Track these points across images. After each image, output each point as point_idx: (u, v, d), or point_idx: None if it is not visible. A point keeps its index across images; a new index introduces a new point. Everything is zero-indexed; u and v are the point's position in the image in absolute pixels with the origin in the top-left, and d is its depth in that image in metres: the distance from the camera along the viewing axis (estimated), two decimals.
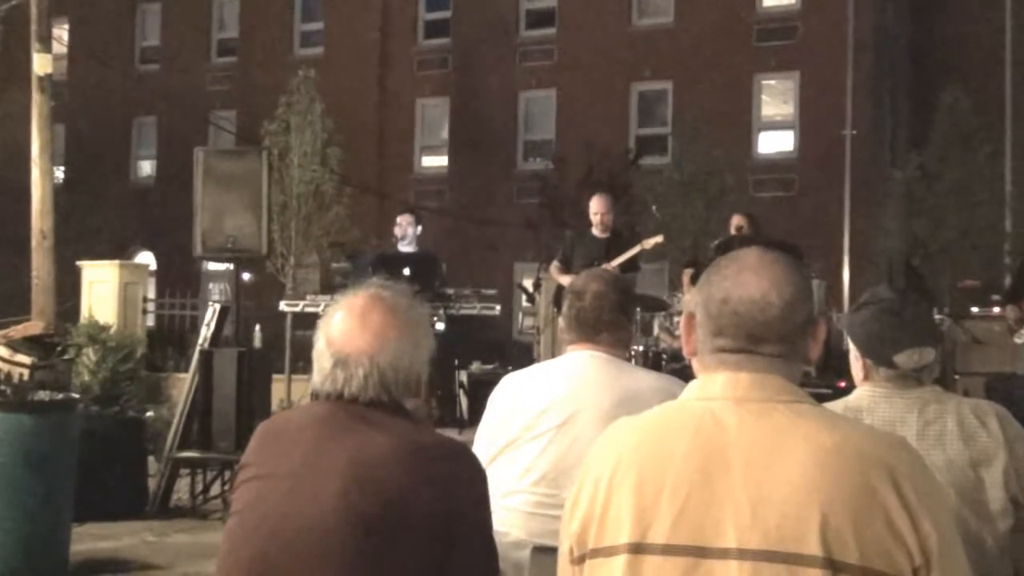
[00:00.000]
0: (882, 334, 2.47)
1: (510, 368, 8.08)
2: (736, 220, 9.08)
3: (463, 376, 9.15)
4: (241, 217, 7.57)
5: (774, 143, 22.03)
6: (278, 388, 9.76)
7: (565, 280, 8.46)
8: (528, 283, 14.02)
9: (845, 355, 2.64)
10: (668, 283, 16.96)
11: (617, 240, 8.70)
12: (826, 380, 8.02)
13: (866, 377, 2.50)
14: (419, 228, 9.03)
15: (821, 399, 2.59)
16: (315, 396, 2.10)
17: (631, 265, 8.57)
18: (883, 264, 19.74)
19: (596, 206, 8.74)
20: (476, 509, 1.99)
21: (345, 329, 2.06)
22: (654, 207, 12.34)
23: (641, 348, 8.80)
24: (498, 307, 8.77)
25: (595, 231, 8.72)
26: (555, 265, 8.87)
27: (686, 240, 16.25)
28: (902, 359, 2.44)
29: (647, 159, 20.34)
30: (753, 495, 1.54)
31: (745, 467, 1.55)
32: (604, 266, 8.22)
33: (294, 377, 11.24)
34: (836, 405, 2.44)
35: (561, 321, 3.08)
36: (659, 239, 8.62)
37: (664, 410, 1.69)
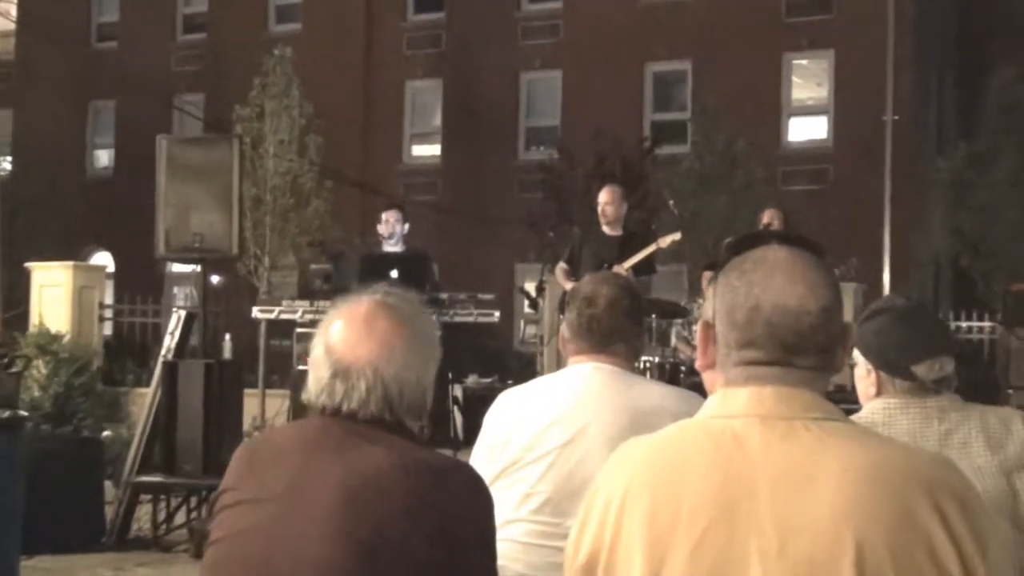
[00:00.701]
0: (898, 343, 2.50)
1: (510, 382, 8.09)
2: (766, 216, 9.07)
3: (458, 391, 9.16)
4: (209, 213, 7.57)
5: (806, 130, 22.05)
6: (251, 404, 9.77)
7: (571, 285, 8.47)
8: (531, 287, 14.02)
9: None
10: (687, 287, 16.95)
11: (630, 238, 8.71)
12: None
13: (879, 392, 2.53)
14: (407, 225, 9.04)
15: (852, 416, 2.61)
16: (306, 411, 2.10)
17: (646, 266, 8.58)
18: (929, 265, 19.76)
19: (603, 197, 8.79)
20: (482, 534, 2.00)
21: (348, 336, 2.06)
22: (671, 202, 12.31)
23: (656, 359, 8.81)
24: (497, 314, 8.78)
25: (605, 228, 8.74)
26: (560, 267, 8.87)
27: (707, 239, 16.24)
28: (921, 370, 2.47)
29: (663, 148, 20.34)
30: (780, 524, 1.53)
31: (771, 492, 1.55)
32: (616, 268, 8.23)
33: (269, 392, 11.25)
34: (860, 415, 2.45)
35: (564, 329, 3.09)
36: (676, 237, 8.64)
37: (680, 429, 1.69)
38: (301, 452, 2.02)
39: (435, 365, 2.10)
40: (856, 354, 2.60)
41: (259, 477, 2.04)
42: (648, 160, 19.79)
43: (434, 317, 7.62)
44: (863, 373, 2.58)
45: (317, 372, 2.07)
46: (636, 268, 8.44)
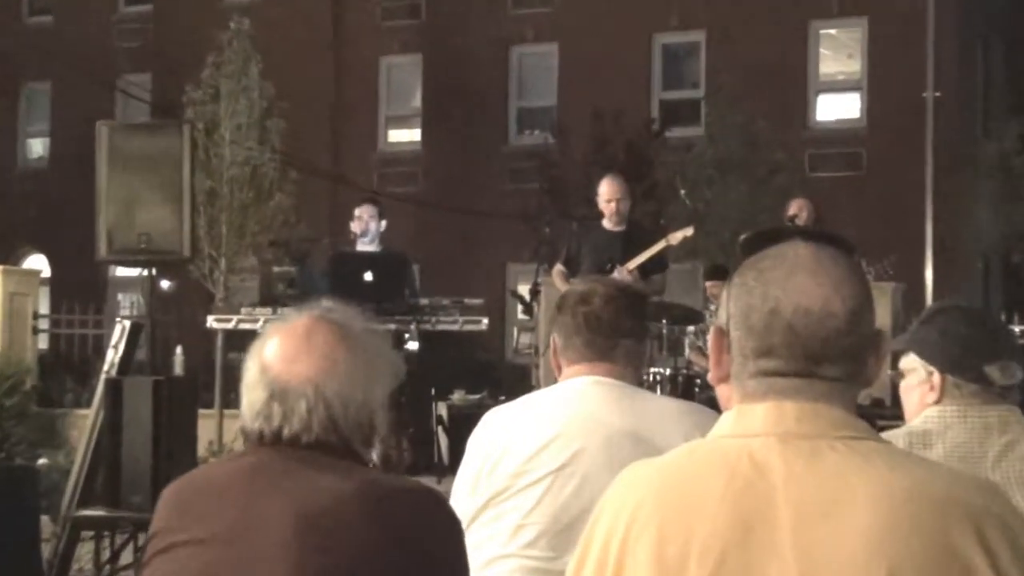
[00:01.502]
0: (969, 342, 2.52)
1: (502, 398, 8.08)
2: (793, 207, 9.08)
3: (442, 409, 9.16)
4: (157, 209, 7.57)
5: (836, 109, 22.09)
6: (206, 426, 9.74)
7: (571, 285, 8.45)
8: (524, 290, 14.04)
9: None
10: (702, 288, 16.99)
11: (636, 234, 8.73)
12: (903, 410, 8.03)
13: (939, 399, 2.54)
14: (384, 222, 9.04)
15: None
16: (245, 439, 2.11)
17: (657, 264, 8.60)
18: (977, 262, 19.79)
19: (607, 191, 8.76)
20: (451, 567, 2.01)
21: (285, 352, 2.08)
22: (683, 192, 12.36)
23: (667, 371, 8.83)
24: (485, 321, 8.77)
25: (607, 223, 8.74)
26: (557, 269, 8.88)
27: (724, 233, 16.27)
28: (994, 372, 2.49)
29: (674, 131, 20.38)
30: (804, 556, 1.54)
31: (794, 521, 1.56)
32: (618, 271, 8.25)
33: (227, 412, 11.22)
34: (896, 434, 2.46)
35: (555, 338, 3.09)
36: (688, 232, 8.67)
37: (691, 450, 1.69)
38: (242, 486, 2.03)
39: (385, 384, 2.12)
40: (910, 360, 2.61)
41: (196, 517, 2.04)
42: (656, 145, 19.82)
43: (412, 326, 7.50)
44: (918, 380, 2.58)
45: (251, 395, 2.08)
46: (643, 268, 8.46)
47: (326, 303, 2.18)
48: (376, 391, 2.10)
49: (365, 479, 2.00)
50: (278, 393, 2.06)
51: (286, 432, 2.04)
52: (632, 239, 8.63)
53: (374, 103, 24.75)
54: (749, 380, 1.67)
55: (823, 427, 1.62)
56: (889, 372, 2.62)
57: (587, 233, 8.99)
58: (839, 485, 1.57)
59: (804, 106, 21.68)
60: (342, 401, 2.05)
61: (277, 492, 1.99)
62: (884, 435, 2.03)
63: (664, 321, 9.04)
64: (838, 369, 1.64)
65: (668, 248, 8.70)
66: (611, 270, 8.39)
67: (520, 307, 19.67)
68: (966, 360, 2.51)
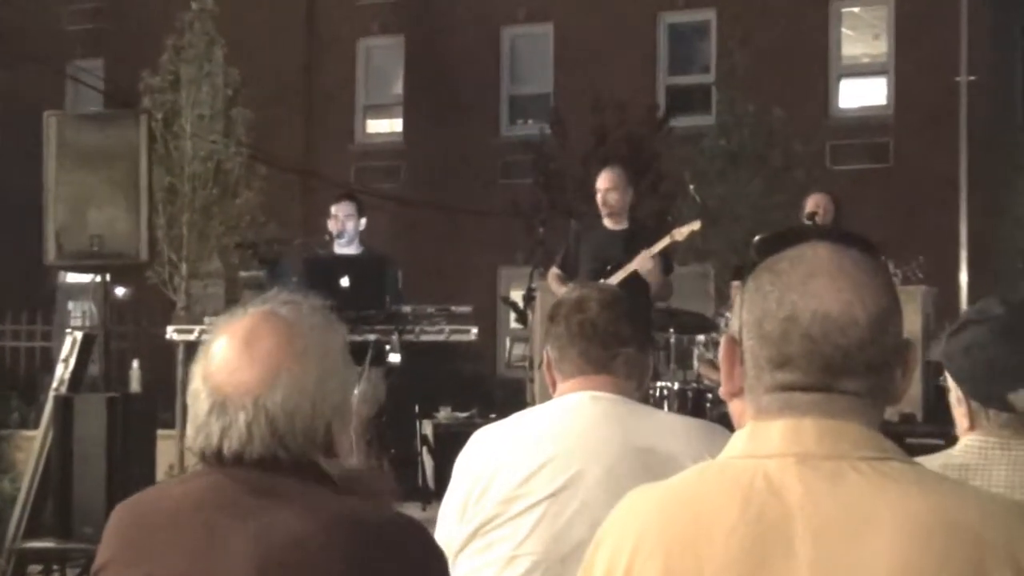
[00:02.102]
0: (992, 365, 2.47)
1: (493, 416, 8.07)
2: (811, 203, 9.08)
3: (427, 429, 9.15)
4: (111, 208, 7.57)
5: (860, 95, 22.11)
6: (166, 449, 9.74)
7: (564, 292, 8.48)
8: (517, 296, 13.97)
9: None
10: (714, 293, 16.99)
11: (639, 233, 8.74)
12: (937, 426, 8.02)
13: (973, 425, 2.50)
14: (363, 221, 9.04)
15: (931, 454, 2.58)
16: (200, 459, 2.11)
17: (663, 265, 8.60)
18: (1015, 262, 19.80)
19: (602, 182, 8.82)
20: None
21: (225, 360, 2.08)
22: (692, 187, 12.31)
23: (675, 385, 8.83)
24: (475, 330, 8.76)
25: (608, 221, 8.79)
26: (553, 272, 8.90)
27: (737, 233, 16.28)
28: (1020, 400, 2.45)
29: (682, 120, 20.39)
30: None
31: (813, 550, 1.56)
32: (645, 254, 8.28)
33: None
34: (932, 461, 2.43)
35: (548, 350, 3.10)
36: (695, 227, 8.67)
37: (701, 472, 1.70)
38: (195, 517, 2.02)
39: (340, 386, 2.11)
40: (948, 376, 2.57)
41: (147, 551, 2.04)
42: (662, 135, 19.83)
43: (394, 336, 7.50)
44: (955, 399, 2.54)
45: (196, 407, 2.08)
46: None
47: (280, 295, 2.15)
48: (329, 397, 2.08)
49: (332, 512, 1.99)
50: (217, 406, 2.05)
51: (226, 449, 2.03)
52: (635, 239, 8.63)
53: (351, 90, 24.73)
54: (764, 394, 1.68)
55: (845, 447, 1.63)
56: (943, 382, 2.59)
57: (586, 232, 8.99)
58: (863, 510, 1.57)
59: (825, 92, 21.69)
60: (286, 413, 2.04)
61: (236, 530, 1.98)
62: (920, 460, 2.01)
63: (671, 330, 9.04)
64: (861, 383, 1.65)
65: (674, 247, 8.69)
66: (611, 273, 8.42)
67: (513, 315, 19.56)
68: (989, 385, 2.46)
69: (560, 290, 8.62)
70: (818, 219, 8.74)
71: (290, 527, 1.96)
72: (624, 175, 9.02)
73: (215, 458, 2.05)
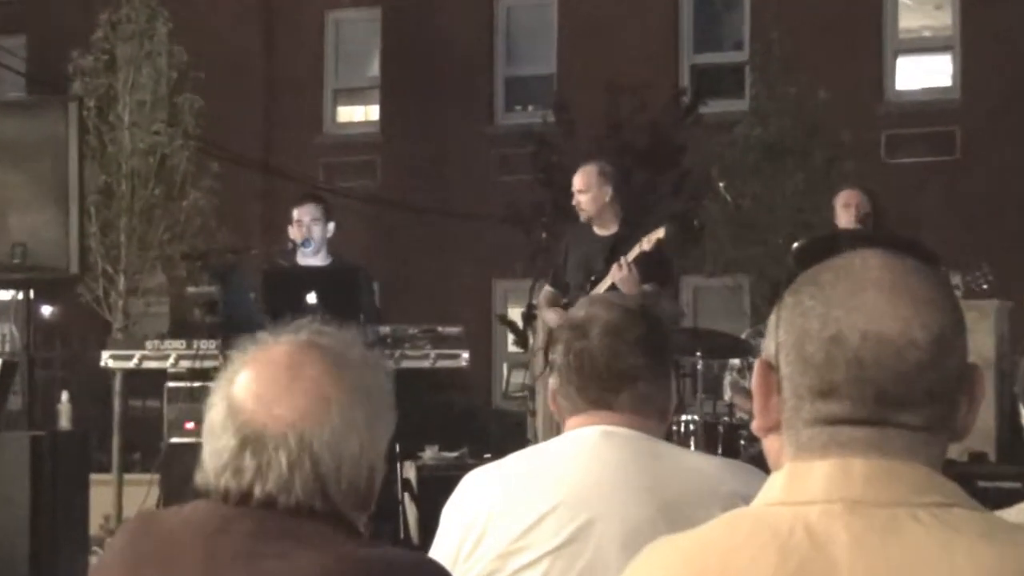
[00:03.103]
0: None
1: (488, 456, 8.08)
2: (843, 198, 9.13)
3: (409, 471, 9.17)
4: (34, 213, 7.56)
5: (921, 75, 22.12)
6: (101, 496, 9.74)
7: (553, 318, 8.58)
8: (516, 314, 13.99)
9: None
10: (749, 310, 16.98)
11: (630, 239, 8.79)
12: (1014, 467, 8.03)
13: None
14: (331, 226, 9.06)
15: (1007, 499, 2.58)
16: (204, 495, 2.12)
17: (656, 273, 8.62)
18: None
19: (575, 182, 9.02)
20: None
21: (262, 390, 2.10)
22: (721, 185, 12.30)
23: (702, 419, 8.84)
24: (466, 355, 8.78)
25: (595, 227, 8.93)
26: (546, 292, 9.03)
27: (776, 239, 16.29)
28: None
29: (710, 106, 20.40)
30: None
31: None
32: (619, 264, 8.35)
33: (128, 478, 11.22)
34: (1009, 512, 2.43)
35: (553, 379, 3.11)
36: (660, 234, 8.67)
37: (732, 522, 1.70)
38: (197, 556, 2.04)
39: (387, 430, 2.16)
40: None
41: None
42: (687, 124, 19.84)
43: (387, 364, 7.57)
44: None
45: (217, 442, 2.10)
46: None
47: (313, 324, 2.18)
48: (377, 442, 2.12)
49: (348, 554, 2.01)
50: (252, 441, 2.07)
51: (258, 491, 2.06)
52: (622, 245, 8.70)
53: (318, 72, 24.73)
54: (805, 429, 1.68)
55: (901, 492, 1.63)
56: None
57: (576, 239, 9.13)
58: (922, 567, 1.57)
59: (879, 72, 21.70)
60: (335, 454, 2.07)
61: (242, 571, 2.01)
62: (1002, 514, 2.01)
63: (698, 353, 9.05)
64: (920, 415, 1.65)
65: (659, 253, 8.71)
66: (593, 285, 8.53)
67: (511, 337, 19.67)
68: None
69: (549, 316, 8.70)
70: (846, 220, 8.78)
71: (304, 572, 1.98)
72: (598, 174, 9.08)
73: (240, 499, 2.07)
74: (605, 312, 3.10)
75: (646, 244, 8.62)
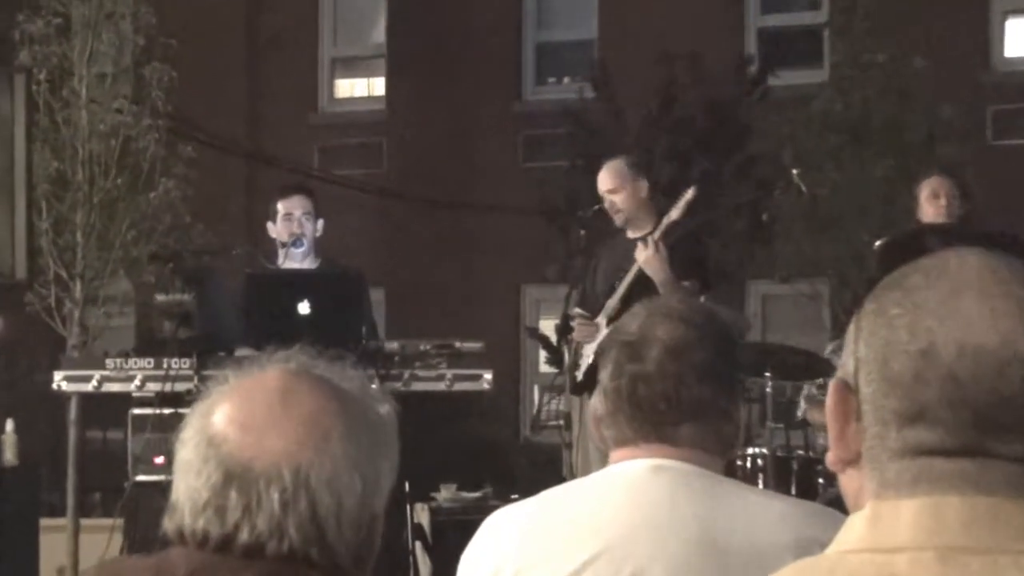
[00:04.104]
0: None
1: (515, 496, 8.09)
2: (930, 186, 9.13)
3: (422, 514, 9.19)
4: None
5: None
6: (53, 545, 9.78)
7: (584, 333, 8.69)
8: (549, 327, 13.97)
9: None
10: (829, 321, 16.96)
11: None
12: None
13: None
14: (320, 223, 9.10)
15: None
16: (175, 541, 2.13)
17: (689, 270, 8.67)
18: None
19: (601, 183, 9.17)
20: None
21: (248, 418, 2.12)
22: (795, 172, 12.19)
23: (772, 452, 8.84)
24: (489, 375, 8.80)
25: (629, 231, 9.03)
26: (576, 316, 9.15)
27: (862, 233, 16.26)
28: None
29: (782, 77, 20.39)
30: None
31: None
32: (647, 240, 8.42)
33: (85, 523, 11.25)
34: None
35: (596, 402, 3.11)
36: (689, 195, 8.76)
37: (805, 572, 1.71)
38: None
39: (392, 473, 2.18)
40: None
41: None
42: (754, 99, 19.84)
43: (378, 383, 7.54)
44: None
45: (193, 480, 2.11)
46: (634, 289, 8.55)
47: (304, 351, 2.22)
48: (382, 482, 2.15)
49: None
50: (237, 475, 2.08)
51: (245, 535, 2.07)
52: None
53: (312, 38, 24.80)
54: (890, 462, 1.69)
55: (1005, 536, 1.63)
56: None
57: (605, 251, 9.29)
58: None
59: (984, 36, 21.69)
60: (334, 493, 2.08)
61: None
62: None
63: (767, 374, 9.04)
64: None
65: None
66: (614, 290, 8.64)
67: (543, 354, 19.65)
68: None
69: (585, 335, 8.78)
70: (931, 214, 8.79)
71: None
72: (628, 166, 9.25)
73: (220, 545, 2.07)
74: (664, 327, 3.07)
75: (674, 213, 8.68)
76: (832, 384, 1.74)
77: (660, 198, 9.34)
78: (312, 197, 9.28)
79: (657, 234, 8.63)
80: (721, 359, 3.09)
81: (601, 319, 8.77)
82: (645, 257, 8.52)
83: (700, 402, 3.04)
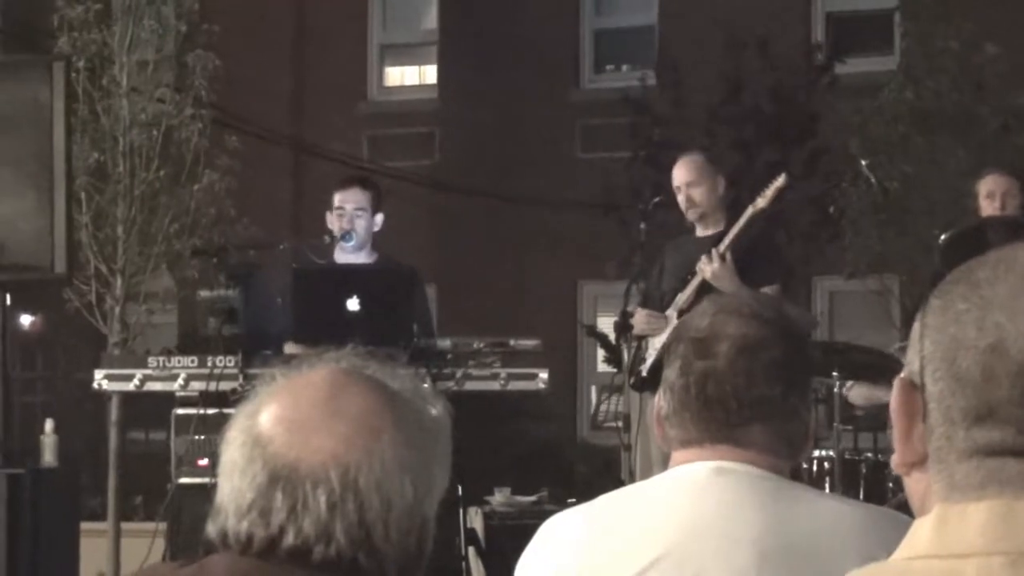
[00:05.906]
0: None
1: (572, 501, 8.08)
2: (984, 187, 9.12)
3: (475, 519, 9.19)
4: (12, 199, 7.64)
5: None
6: (93, 548, 9.82)
7: (654, 326, 8.70)
8: (607, 324, 13.97)
9: None
10: (899, 318, 16.90)
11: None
12: None
13: None
14: (379, 217, 9.11)
15: None
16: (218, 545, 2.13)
17: (757, 269, 8.67)
18: None
19: (678, 175, 9.14)
20: None
21: (295, 416, 2.12)
22: (864, 162, 12.19)
23: (842, 455, 8.81)
24: (545, 375, 8.79)
25: (698, 228, 9.05)
26: (640, 315, 9.12)
27: (933, 226, 16.19)
28: None
29: (850, 64, 20.33)
30: None
31: None
32: (710, 257, 8.42)
33: (127, 527, 11.31)
34: None
35: (661, 402, 3.12)
36: (780, 182, 8.75)
37: None
38: None
39: (444, 480, 2.18)
40: None
41: None
42: (822, 87, 19.78)
43: (430, 383, 7.57)
44: None
45: (238, 481, 2.12)
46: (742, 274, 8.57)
47: (354, 350, 2.22)
48: (434, 489, 2.15)
49: None
50: (283, 478, 2.08)
51: (290, 537, 2.07)
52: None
53: (361, 24, 24.81)
54: (959, 463, 1.68)
55: None
56: None
57: (672, 252, 9.30)
58: None
59: None
60: (383, 497, 2.08)
61: None
62: None
63: (835, 374, 9.02)
64: None
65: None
66: (676, 293, 8.64)
67: (602, 352, 19.63)
68: None
69: (637, 318, 8.79)
70: (992, 207, 8.79)
71: None
72: (707, 162, 9.26)
73: (265, 548, 2.08)
74: (735, 324, 3.06)
75: (761, 202, 8.67)
76: (897, 383, 1.73)
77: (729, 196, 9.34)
78: (370, 190, 9.26)
79: (729, 239, 8.62)
80: (792, 358, 3.08)
81: (671, 312, 8.77)
82: (712, 272, 8.50)
83: (770, 401, 3.04)
